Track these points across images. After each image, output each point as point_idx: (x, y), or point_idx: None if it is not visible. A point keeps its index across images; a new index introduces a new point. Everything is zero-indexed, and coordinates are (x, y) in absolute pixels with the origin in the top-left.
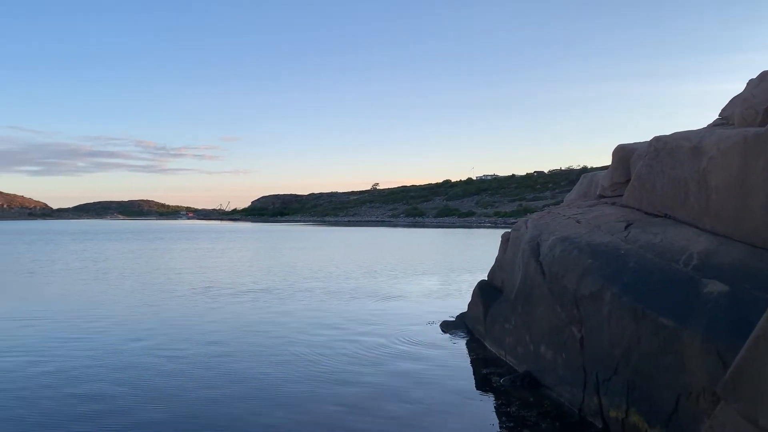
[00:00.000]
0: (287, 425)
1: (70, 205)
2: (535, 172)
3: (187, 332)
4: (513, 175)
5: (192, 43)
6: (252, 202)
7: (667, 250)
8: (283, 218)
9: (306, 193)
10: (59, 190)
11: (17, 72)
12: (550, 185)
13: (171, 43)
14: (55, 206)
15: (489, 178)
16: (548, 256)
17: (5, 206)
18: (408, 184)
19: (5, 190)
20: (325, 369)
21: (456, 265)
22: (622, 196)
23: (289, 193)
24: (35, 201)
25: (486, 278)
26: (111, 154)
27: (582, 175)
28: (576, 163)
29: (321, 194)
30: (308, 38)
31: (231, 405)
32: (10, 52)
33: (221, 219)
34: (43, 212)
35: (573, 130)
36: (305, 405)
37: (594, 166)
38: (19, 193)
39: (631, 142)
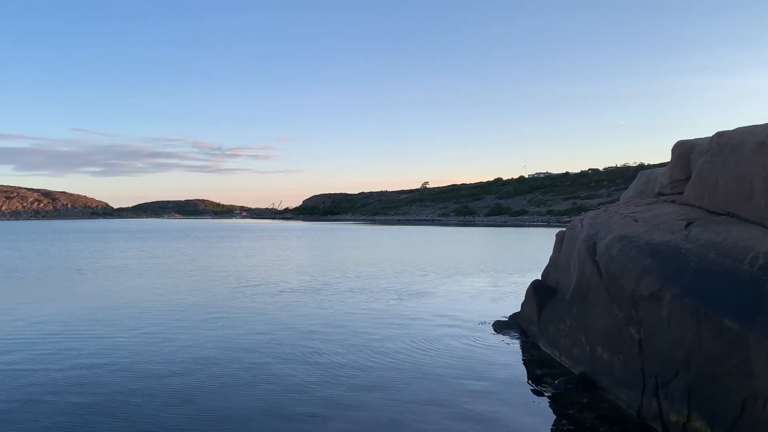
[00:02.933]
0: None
1: (130, 205)
2: (589, 169)
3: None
4: (567, 173)
5: (247, 46)
6: (303, 201)
7: (731, 250)
8: (334, 217)
9: (356, 192)
10: (120, 189)
11: (84, 75)
12: (606, 183)
13: (226, 47)
14: (115, 206)
15: (542, 175)
16: (605, 255)
17: (69, 205)
18: (458, 183)
19: (70, 190)
20: (377, 370)
21: (508, 264)
22: (681, 193)
23: (339, 192)
24: (97, 201)
25: (540, 278)
26: (169, 155)
27: (639, 173)
28: (632, 161)
29: (371, 193)
30: (360, 41)
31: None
32: (78, 55)
33: (273, 218)
34: (104, 211)
35: (629, 126)
36: (359, 405)
37: (651, 164)
38: (82, 193)
39: (691, 138)
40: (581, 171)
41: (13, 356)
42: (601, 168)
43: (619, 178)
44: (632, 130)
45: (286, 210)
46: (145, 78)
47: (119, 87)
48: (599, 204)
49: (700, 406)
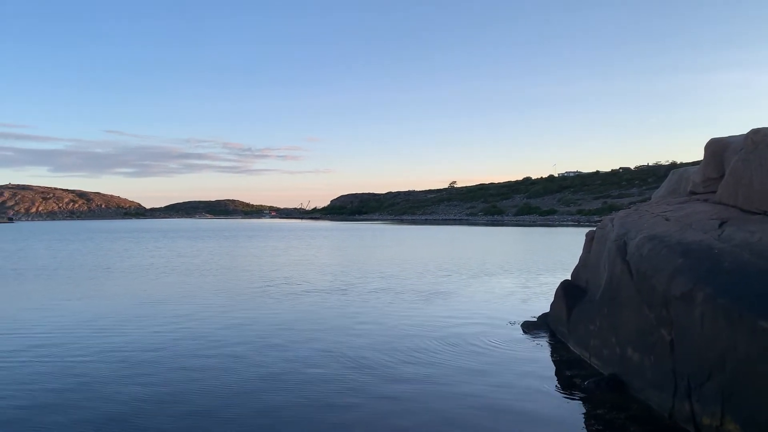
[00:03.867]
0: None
1: (162, 205)
2: (620, 168)
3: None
4: (597, 172)
5: (275, 47)
6: (331, 201)
7: (767, 249)
8: (361, 216)
9: (383, 191)
10: (152, 190)
11: (116, 77)
12: (637, 182)
13: (256, 48)
14: (148, 206)
15: (572, 174)
16: (636, 255)
17: (103, 206)
18: (486, 182)
19: (104, 191)
20: (404, 367)
21: (537, 264)
22: (714, 192)
23: (366, 191)
24: (130, 201)
25: (569, 278)
26: (200, 156)
27: (671, 171)
28: (664, 159)
29: (398, 193)
30: (388, 40)
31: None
32: (110, 57)
33: (302, 217)
34: (137, 212)
35: (661, 123)
36: (390, 399)
37: (684, 162)
38: (115, 194)
39: (725, 135)
40: (612, 170)
41: (48, 350)
42: (632, 166)
43: (651, 176)
44: (665, 127)
45: (314, 210)
46: (176, 80)
47: (151, 89)
48: (630, 203)
49: (734, 410)
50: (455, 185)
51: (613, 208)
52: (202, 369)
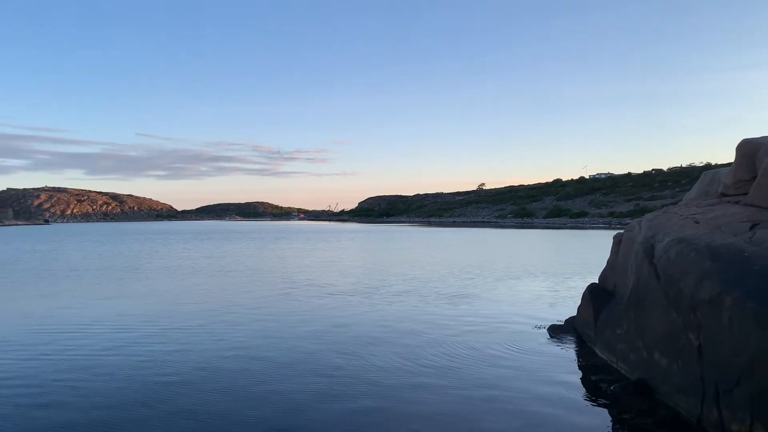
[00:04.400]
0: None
1: (193, 207)
2: (653, 169)
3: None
4: (629, 174)
5: (303, 51)
6: (359, 203)
7: None
8: (389, 219)
9: (411, 193)
10: (183, 192)
11: (148, 81)
12: (670, 184)
13: (285, 52)
14: (179, 208)
15: (603, 176)
16: (663, 258)
17: (136, 208)
18: (515, 184)
19: (136, 194)
20: (430, 370)
21: (566, 267)
22: (746, 194)
23: (394, 194)
24: (162, 203)
25: (597, 281)
26: (230, 159)
27: (703, 173)
28: (698, 160)
29: (426, 195)
30: (413, 43)
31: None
32: (141, 62)
33: (330, 220)
34: (169, 214)
35: (696, 124)
36: (417, 402)
37: (719, 163)
38: (148, 196)
39: (758, 136)
40: (644, 171)
41: (69, 344)
42: (665, 168)
43: (684, 178)
44: (700, 128)
45: (342, 212)
46: (207, 84)
47: (182, 93)
48: (663, 206)
49: (763, 415)
50: (484, 187)
51: (645, 211)
52: (222, 370)
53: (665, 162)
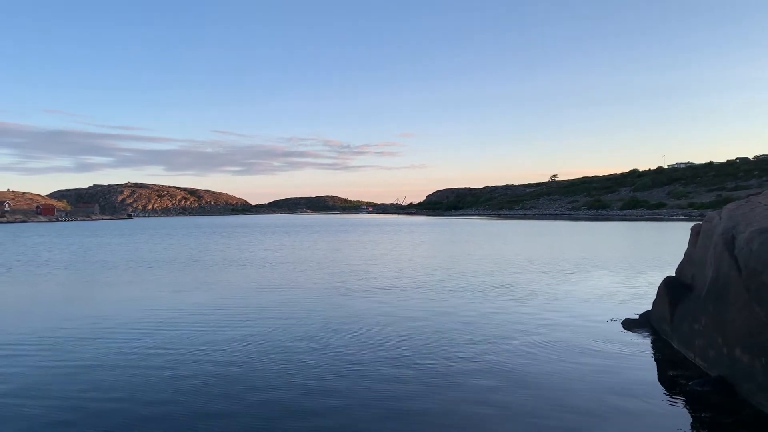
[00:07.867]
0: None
1: (266, 201)
2: (737, 158)
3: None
4: (710, 163)
5: (368, 47)
6: (427, 197)
7: None
8: (457, 212)
9: (480, 186)
10: (257, 187)
11: (222, 79)
12: (756, 173)
13: (350, 49)
14: (253, 202)
15: (682, 166)
16: (745, 249)
17: (212, 202)
18: (589, 175)
19: (212, 188)
20: (505, 365)
21: (642, 260)
22: None
23: (463, 186)
24: (237, 198)
25: (674, 274)
26: (301, 154)
27: None
28: None
29: (496, 187)
30: (484, 35)
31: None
32: (215, 61)
33: (398, 213)
34: (243, 208)
35: None
36: (493, 398)
37: None
38: (223, 191)
39: None
40: (727, 160)
41: (143, 340)
42: (750, 156)
43: None
44: None
45: (410, 205)
46: (280, 80)
47: (256, 90)
48: (748, 196)
49: None
50: (556, 178)
51: (728, 202)
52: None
53: (751, 149)
